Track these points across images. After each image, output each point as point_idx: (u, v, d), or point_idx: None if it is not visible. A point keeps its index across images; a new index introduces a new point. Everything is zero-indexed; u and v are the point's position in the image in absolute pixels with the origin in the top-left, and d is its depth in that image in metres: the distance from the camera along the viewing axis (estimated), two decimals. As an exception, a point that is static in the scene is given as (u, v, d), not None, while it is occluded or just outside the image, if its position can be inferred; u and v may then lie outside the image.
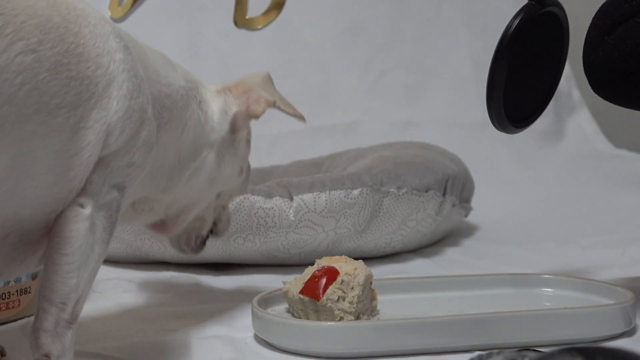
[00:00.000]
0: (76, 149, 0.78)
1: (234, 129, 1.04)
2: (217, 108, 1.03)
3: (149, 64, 0.92)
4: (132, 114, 0.84)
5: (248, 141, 1.10)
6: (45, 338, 0.79)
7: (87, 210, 0.81)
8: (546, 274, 1.16)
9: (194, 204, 1.04)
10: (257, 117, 1.04)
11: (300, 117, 1.06)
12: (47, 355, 0.78)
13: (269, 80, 1.09)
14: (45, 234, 0.81)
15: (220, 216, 1.12)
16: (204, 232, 1.11)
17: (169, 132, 0.95)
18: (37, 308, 0.80)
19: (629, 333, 0.99)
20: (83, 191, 0.81)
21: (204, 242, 1.13)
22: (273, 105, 1.04)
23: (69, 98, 0.77)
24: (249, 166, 1.12)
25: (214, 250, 1.35)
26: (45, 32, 0.75)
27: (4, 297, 1.07)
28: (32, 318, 1.09)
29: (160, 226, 1.06)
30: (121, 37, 0.85)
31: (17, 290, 1.08)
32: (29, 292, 1.10)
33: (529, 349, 0.86)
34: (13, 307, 1.08)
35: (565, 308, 1.00)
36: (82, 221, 0.80)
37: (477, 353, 0.89)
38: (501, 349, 0.89)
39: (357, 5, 2.60)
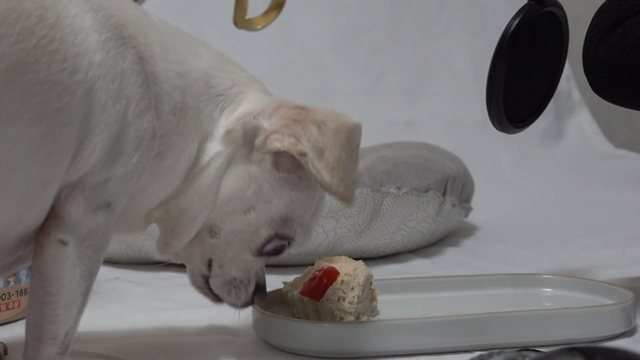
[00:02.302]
0: (43, 168, 0.70)
1: (250, 142, 0.84)
2: (243, 108, 0.84)
3: (155, 39, 0.79)
4: (109, 126, 0.74)
5: (287, 181, 0.84)
6: None
7: (69, 247, 0.74)
8: (546, 274, 1.16)
9: (186, 217, 0.85)
10: (268, 150, 0.82)
11: (338, 195, 0.80)
12: None
13: (352, 130, 0.82)
14: (11, 249, 0.76)
15: (221, 261, 0.88)
16: (203, 270, 0.90)
17: (184, 134, 0.81)
18: (25, 342, 0.77)
19: (629, 333, 0.99)
20: (60, 225, 0.74)
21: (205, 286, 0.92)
22: (299, 155, 0.80)
23: (31, 106, 0.67)
24: (276, 218, 0.86)
25: (214, 250, 1.35)
26: (8, 23, 0.65)
27: (3, 298, 1.07)
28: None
29: (161, 245, 0.89)
30: (105, 28, 0.73)
31: (17, 291, 1.08)
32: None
33: (529, 349, 0.86)
34: (13, 307, 1.08)
35: (565, 308, 1.00)
36: (64, 259, 0.74)
37: (477, 353, 0.89)
38: (501, 349, 0.89)
39: (357, 5, 2.60)
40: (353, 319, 0.99)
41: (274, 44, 2.36)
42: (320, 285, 0.99)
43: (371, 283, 1.04)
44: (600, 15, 1.03)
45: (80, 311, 0.78)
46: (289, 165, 0.84)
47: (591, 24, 1.05)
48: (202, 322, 1.07)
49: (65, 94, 0.69)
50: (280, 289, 1.05)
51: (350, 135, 0.82)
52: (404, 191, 1.43)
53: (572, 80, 2.61)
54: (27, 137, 0.68)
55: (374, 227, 1.40)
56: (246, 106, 0.84)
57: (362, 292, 1.00)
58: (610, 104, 1.08)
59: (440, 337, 0.94)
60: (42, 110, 0.68)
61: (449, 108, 2.53)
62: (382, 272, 1.33)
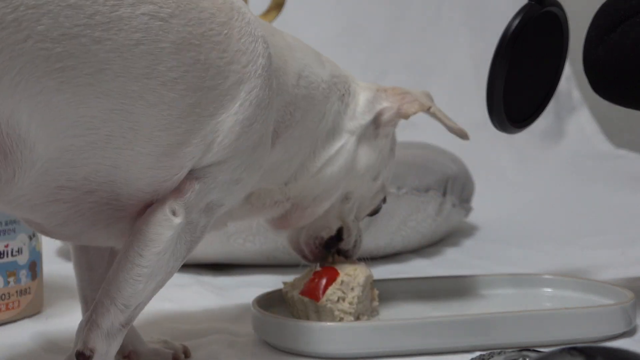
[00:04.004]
0: (186, 131, 0.76)
1: (378, 122, 1.01)
2: (363, 98, 1.01)
3: (291, 68, 0.91)
4: (253, 124, 0.81)
5: (392, 150, 1.06)
6: (97, 335, 0.77)
7: (178, 220, 0.78)
8: (546, 274, 1.16)
9: (322, 196, 0.99)
10: (407, 116, 1.01)
11: (460, 133, 1.03)
12: (92, 350, 0.77)
13: (429, 95, 1.06)
14: (136, 211, 0.79)
15: (349, 227, 1.05)
16: (324, 234, 1.04)
17: (302, 128, 0.93)
18: (97, 299, 0.78)
19: (629, 333, 0.99)
20: (180, 197, 0.78)
21: (324, 247, 1.05)
22: (427, 110, 1.01)
23: (189, 78, 0.75)
24: (386, 182, 1.07)
25: (214, 250, 1.35)
26: (182, 9, 0.74)
27: (3, 298, 1.07)
28: (31, 319, 1.10)
29: (281, 221, 1.01)
30: (268, 44, 0.84)
31: (17, 291, 1.08)
32: (29, 293, 1.10)
33: (530, 349, 0.86)
34: (13, 307, 1.08)
35: (565, 308, 1.00)
36: (169, 228, 0.78)
37: (478, 353, 0.89)
38: (502, 349, 0.89)
39: (357, 5, 2.61)
40: (353, 319, 0.99)
41: (274, 44, 2.36)
42: (320, 285, 0.99)
43: (371, 283, 1.04)
44: (600, 15, 1.03)
45: (155, 290, 0.80)
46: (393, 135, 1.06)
47: (591, 23, 1.05)
48: (202, 322, 1.07)
49: (219, 76, 0.78)
50: (280, 289, 1.05)
51: (431, 97, 1.06)
52: (404, 191, 1.43)
53: (572, 80, 2.61)
54: (180, 105, 0.75)
55: (374, 227, 1.40)
56: (363, 97, 1.01)
57: (362, 292, 1.00)
58: (610, 104, 1.08)
59: (441, 338, 0.94)
60: (197, 84, 0.76)
61: (449, 108, 2.52)
62: (382, 272, 1.33)
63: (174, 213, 0.78)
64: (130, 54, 0.70)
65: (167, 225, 0.78)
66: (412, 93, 1.03)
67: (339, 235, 1.04)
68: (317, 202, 0.99)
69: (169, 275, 0.80)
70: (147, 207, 0.79)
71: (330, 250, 1.05)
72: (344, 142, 0.98)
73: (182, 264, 0.81)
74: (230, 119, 0.79)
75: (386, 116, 1.01)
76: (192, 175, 0.79)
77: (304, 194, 0.97)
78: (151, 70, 0.72)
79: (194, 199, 0.79)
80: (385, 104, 1.01)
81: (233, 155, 0.80)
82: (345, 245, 1.05)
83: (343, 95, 0.99)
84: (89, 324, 0.77)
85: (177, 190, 0.79)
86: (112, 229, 0.80)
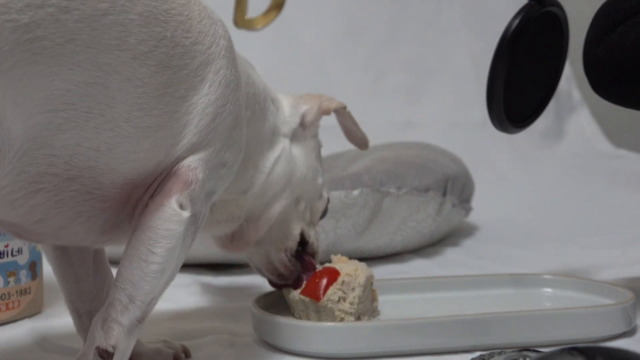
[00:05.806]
0: (163, 112, 0.77)
1: (304, 124, 1.04)
2: (287, 104, 1.03)
3: (240, 67, 0.92)
4: (226, 104, 0.83)
5: (320, 150, 1.08)
6: (119, 332, 0.78)
7: (186, 214, 0.79)
8: (546, 274, 1.16)
9: (272, 201, 0.99)
10: (328, 112, 1.05)
11: (363, 142, 1.08)
12: (114, 347, 0.77)
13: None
14: (120, 201, 0.79)
15: (307, 230, 1.04)
16: (291, 244, 1.02)
17: (252, 126, 0.94)
18: (112, 297, 0.78)
19: (629, 333, 0.99)
20: (186, 189, 0.79)
21: (297, 258, 1.03)
22: (344, 109, 1.05)
23: (158, 54, 0.75)
24: (325, 182, 1.08)
25: (214, 250, 1.34)
26: None
27: (3, 298, 1.07)
28: (31, 319, 1.10)
29: (237, 241, 1.01)
30: (227, 28, 0.86)
31: (17, 291, 1.08)
32: (29, 293, 1.10)
33: (530, 349, 0.86)
34: (13, 307, 1.08)
35: (565, 308, 1.00)
36: (179, 223, 0.78)
37: (478, 353, 0.89)
38: (502, 349, 0.89)
39: (357, 6, 2.61)
40: (354, 319, 0.99)
41: (274, 44, 2.36)
42: (321, 285, 0.99)
43: (372, 283, 1.04)
44: (600, 15, 1.03)
45: (167, 283, 0.80)
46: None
47: (591, 24, 1.05)
48: (202, 322, 1.07)
49: (186, 56, 0.79)
50: (281, 290, 1.05)
51: None
52: (404, 191, 1.43)
53: (572, 80, 2.61)
54: (153, 82, 0.76)
55: (374, 227, 1.40)
56: (286, 102, 1.03)
57: (363, 292, 1.00)
58: (610, 104, 1.08)
59: (441, 338, 0.94)
60: (166, 61, 0.77)
61: (449, 108, 2.53)
62: (382, 272, 1.33)
63: (181, 207, 0.79)
64: (98, 24, 0.70)
65: (177, 220, 0.78)
66: (324, 95, 1.07)
67: (302, 241, 1.03)
68: (269, 208, 0.99)
69: (177, 269, 0.81)
70: (130, 198, 0.79)
71: (301, 258, 1.03)
72: (283, 144, 1.00)
73: (186, 255, 0.82)
74: (202, 100, 0.80)
75: (310, 116, 1.04)
76: (190, 166, 0.80)
77: (256, 204, 0.97)
78: (122, 42, 0.72)
79: (197, 189, 0.80)
80: (305, 107, 1.04)
81: (213, 137, 0.82)
82: (311, 248, 1.04)
83: (273, 99, 1.01)
84: (108, 322, 0.78)
85: (182, 183, 0.79)
86: (94, 222, 0.80)
